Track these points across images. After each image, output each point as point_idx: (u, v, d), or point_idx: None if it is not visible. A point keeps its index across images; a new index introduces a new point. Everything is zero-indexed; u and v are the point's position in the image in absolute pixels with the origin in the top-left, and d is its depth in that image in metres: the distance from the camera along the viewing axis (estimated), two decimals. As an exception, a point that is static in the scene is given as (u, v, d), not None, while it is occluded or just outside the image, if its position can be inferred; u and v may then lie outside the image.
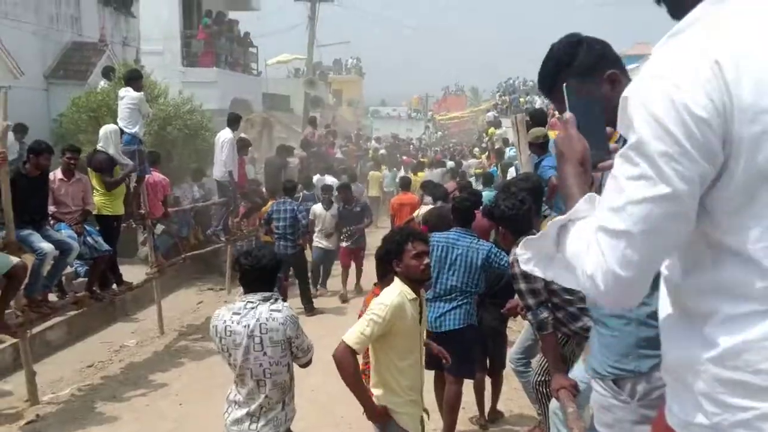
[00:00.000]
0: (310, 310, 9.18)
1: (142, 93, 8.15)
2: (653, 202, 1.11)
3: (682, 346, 1.21)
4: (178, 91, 13.49)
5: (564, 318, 3.61)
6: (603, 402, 2.20)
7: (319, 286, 10.43)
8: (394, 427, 3.36)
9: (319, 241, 10.07)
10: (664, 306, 1.30)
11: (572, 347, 3.81)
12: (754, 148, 1.08)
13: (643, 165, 1.11)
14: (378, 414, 3.34)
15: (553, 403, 3.47)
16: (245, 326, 3.16)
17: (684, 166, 1.09)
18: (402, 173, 17.65)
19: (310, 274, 9.86)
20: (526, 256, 1.39)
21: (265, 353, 3.17)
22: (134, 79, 8.17)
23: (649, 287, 1.21)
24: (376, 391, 3.43)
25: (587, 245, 1.20)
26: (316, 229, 9.99)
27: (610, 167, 1.23)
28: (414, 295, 3.35)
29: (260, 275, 3.28)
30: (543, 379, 4.11)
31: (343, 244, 10.07)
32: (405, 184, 12.03)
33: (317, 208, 10.05)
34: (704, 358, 1.15)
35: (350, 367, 3.20)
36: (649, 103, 1.11)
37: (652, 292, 2.12)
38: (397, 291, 3.33)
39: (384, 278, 3.93)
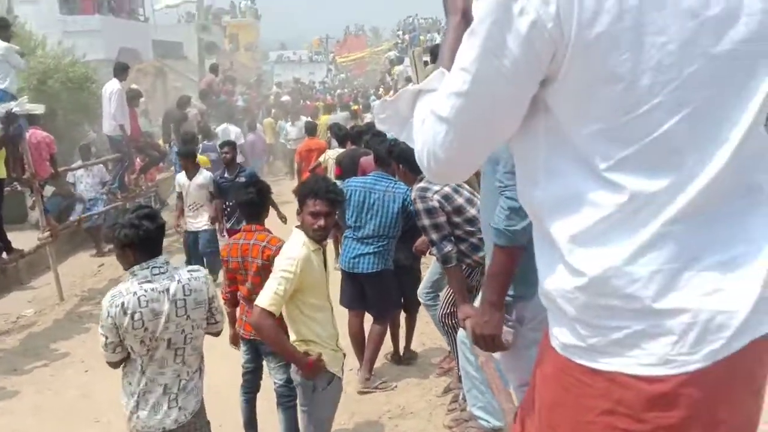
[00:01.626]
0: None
1: (10, 43, 7.46)
2: (470, 97, 1.13)
3: (551, 273, 1.21)
4: (58, 42, 12.59)
5: (467, 249, 3.65)
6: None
7: None
8: (324, 374, 3.30)
9: (189, 221, 7.50)
10: (535, 230, 1.28)
11: (477, 277, 3.88)
12: (592, 50, 1.05)
13: (471, 55, 1.11)
14: (312, 365, 3.21)
15: (461, 333, 3.54)
16: (163, 292, 2.88)
17: (508, 64, 1.08)
18: (291, 125, 16.71)
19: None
20: (382, 116, 1.37)
21: (188, 317, 2.94)
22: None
23: (473, 170, 1.29)
24: (299, 347, 3.31)
25: (422, 121, 1.24)
26: (185, 206, 7.49)
27: None
28: (317, 246, 3.28)
29: (161, 235, 2.99)
30: (449, 311, 4.19)
31: (228, 225, 7.42)
32: (310, 130, 11.67)
33: (180, 177, 7.50)
34: (573, 286, 1.15)
35: (271, 329, 3.09)
36: None
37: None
38: (300, 243, 3.23)
39: (252, 219, 3.92)
